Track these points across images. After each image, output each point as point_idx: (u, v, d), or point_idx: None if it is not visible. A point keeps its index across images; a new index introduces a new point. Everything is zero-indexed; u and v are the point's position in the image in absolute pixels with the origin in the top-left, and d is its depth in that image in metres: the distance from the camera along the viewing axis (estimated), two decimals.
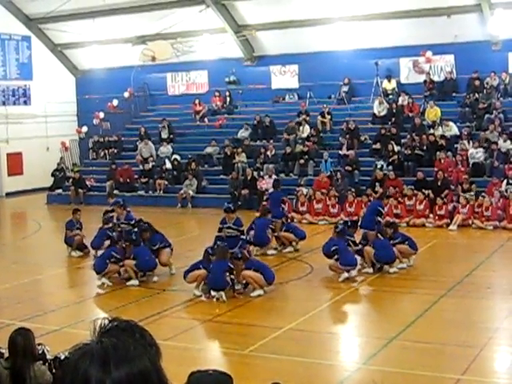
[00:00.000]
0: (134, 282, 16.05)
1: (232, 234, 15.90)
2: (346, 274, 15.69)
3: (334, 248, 15.94)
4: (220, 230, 16.12)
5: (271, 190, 22.11)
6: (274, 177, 25.76)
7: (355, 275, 16.00)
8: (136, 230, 16.94)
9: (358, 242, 16.83)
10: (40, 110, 34.87)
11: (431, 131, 26.71)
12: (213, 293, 14.53)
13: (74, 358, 1.93)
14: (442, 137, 26.12)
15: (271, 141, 29.37)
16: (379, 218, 17.34)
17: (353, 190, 24.38)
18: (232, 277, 14.73)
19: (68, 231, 19.96)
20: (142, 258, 16.19)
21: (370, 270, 16.39)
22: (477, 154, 24.81)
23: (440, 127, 26.74)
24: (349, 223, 17.68)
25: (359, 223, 18.31)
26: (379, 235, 16.66)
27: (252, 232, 18.94)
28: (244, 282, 15.11)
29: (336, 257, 15.83)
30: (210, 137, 31.08)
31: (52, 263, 19.29)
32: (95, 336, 1.97)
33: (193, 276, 15.02)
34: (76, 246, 19.72)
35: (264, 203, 21.10)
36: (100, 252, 17.88)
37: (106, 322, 2.00)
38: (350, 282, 15.62)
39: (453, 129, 26.51)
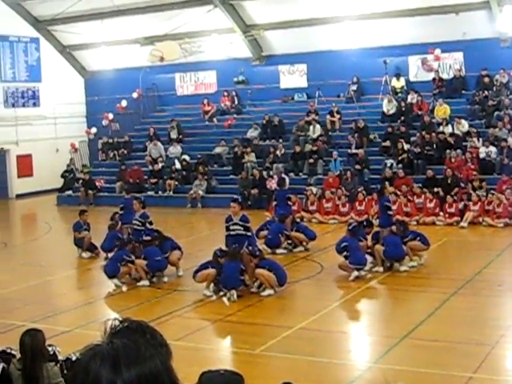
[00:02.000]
0: (145, 282, 16.07)
1: (239, 232, 15.57)
2: (356, 273, 15.66)
3: (343, 245, 15.92)
4: (227, 228, 15.83)
5: (277, 188, 22.05)
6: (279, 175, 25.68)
7: (365, 274, 15.98)
8: (147, 228, 16.92)
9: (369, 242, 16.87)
10: (49, 112, 34.97)
11: (440, 129, 26.65)
12: (223, 293, 14.54)
13: (84, 358, 1.93)
14: (452, 135, 26.05)
15: (280, 140, 29.38)
16: (390, 212, 17.39)
17: (362, 188, 24.36)
18: (244, 277, 14.76)
19: (76, 233, 19.95)
20: (153, 259, 16.21)
21: (381, 269, 16.35)
22: (489, 152, 24.72)
23: (449, 125, 26.66)
24: (365, 223, 17.60)
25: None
26: (393, 229, 16.65)
27: (262, 232, 18.94)
28: (257, 282, 15.12)
29: (345, 254, 15.80)
30: (219, 137, 31.10)
31: (62, 264, 19.33)
32: (106, 337, 1.97)
33: (202, 275, 15.03)
34: (86, 247, 19.75)
35: (274, 203, 21.01)
36: (111, 254, 17.89)
37: (117, 322, 2.01)
38: (361, 280, 15.59)
39: (465, 126, 26.42)
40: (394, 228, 16.78)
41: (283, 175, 25.90)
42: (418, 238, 16.90)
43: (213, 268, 14.89)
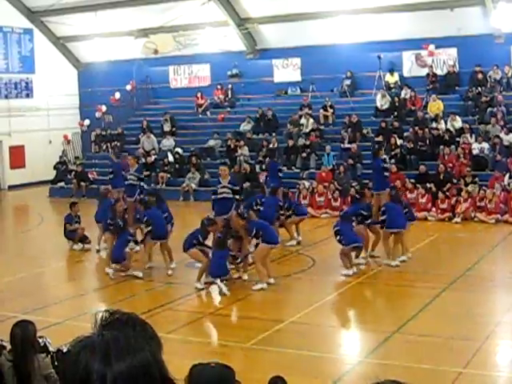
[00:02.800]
0: (138, 273, 16.00)
1: (226, 196, 15.55)
2: (349, 271, 15.59)
3: (336, 229, 15.88)
4: (215, 192, 15.77)
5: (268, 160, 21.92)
6: None
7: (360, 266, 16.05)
8: (142, 185, 17.00)
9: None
10: (42, 103, 34.87)
11: (434, 125, 26.69)
12: (214, 285, 14.55)
13: (75, 350, 1.94)
14: (446, 131, 26.08)
15: (273, 134, 29.38)
16: (386, 174, 17.35)
17: (356, 184, 24.35)
18: (232, 266, 14.84)
19: (67, 225, 19.83)
20: (158, 223, 16.14)
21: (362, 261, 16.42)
22: (481, 148, 24.76)
23: (442, 120, 26.69)
24: (357, 196, 17.67)
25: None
26: (392, 193, 16.57)
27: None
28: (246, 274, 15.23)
29: (338, 238, 15.76)
30: (212, 130, 31.07)
31: (54, 256, 19.31)
32: (96, 329, 1.97)
33: (195, 254, 14.96)
34: (79, 239, 19.71)
35: (265, 175, 20.66)
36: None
37: (107, 314, 2.01)
38: (352, 275, 15.60)
39: (459, 122, 26.44)
40: (392, 192, 16.76)
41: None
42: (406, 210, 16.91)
43: (201, 251, 14.88)
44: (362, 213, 16.64)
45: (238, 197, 16.00)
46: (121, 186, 19.49)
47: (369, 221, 16.68)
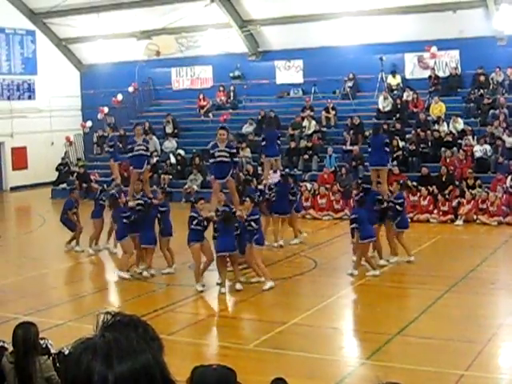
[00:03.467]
0: (170, 269, 16.30)
1: (224, 159, 15.48)
2: (374, 272, 15.66)
3: (353, 216, 15.71)
4: (213, 155, 15.63)
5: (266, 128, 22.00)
6: (278, 173, 25.53)
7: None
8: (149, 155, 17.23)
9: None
10: (44, 105, 34.89)
11: (436, 127, 26.68)
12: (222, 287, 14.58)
13: (76, 352, 1.94)
14: (449, 133, 26.04)
15: None
16: (387, 149, 17.31)
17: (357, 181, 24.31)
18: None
19: (69, 211, 19.43)
20: (167, 220, 16.43)
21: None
22: (483, 150, 24.71)
23: (444, 123, 26.68)
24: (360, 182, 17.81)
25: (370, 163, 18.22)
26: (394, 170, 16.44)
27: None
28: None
29: (355, 226, 15.64)
30: (214, 132, 30.90)
31: (56, 257, 19.31)
32: (98, 330, 1.97)
33: (196, 251, 14.92)
34: (74, 227, 19.49)
35: (263, 143, 20.51)
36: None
37: (109, 316, 2.01)
38: (354, 277, 15.60)
39: (461, 124, 26.41)
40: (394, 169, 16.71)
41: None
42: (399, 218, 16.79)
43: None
44: (377, 198, 16.60)
45: (235, 159, 16.16)
46: (122, 160, 19.39)
47: (384, 205, 16.51)
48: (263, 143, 20.13)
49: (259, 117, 30.48)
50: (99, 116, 34.99)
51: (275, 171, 19.67)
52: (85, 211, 20.15)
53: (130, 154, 17.42)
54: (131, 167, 18.00)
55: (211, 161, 15.84)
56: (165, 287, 15.65)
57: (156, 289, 15.52)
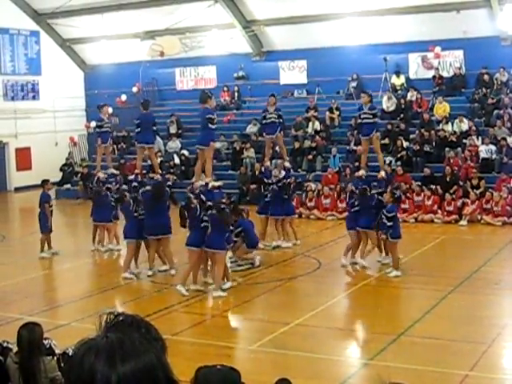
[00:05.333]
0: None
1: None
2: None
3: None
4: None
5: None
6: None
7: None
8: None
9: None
10: (49, 105, 34.94)
11: (440, 127, 26.65)
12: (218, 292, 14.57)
13: (79, 353, 1.93)
14: (453, 133, 25.99)
15: None
16: (376, 119, 17.36)
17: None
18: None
19: (47, 205, 18.87)
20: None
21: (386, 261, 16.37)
22: (488, 150, 24.66)
23: (449, 123, 26.65)
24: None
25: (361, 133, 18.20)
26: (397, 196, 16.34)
27: None
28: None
29: (355, 209, 15.93)
30: (218, 132, 30.99)
31: (60, 258, 19.31)
32: (101, 331, 1.97)
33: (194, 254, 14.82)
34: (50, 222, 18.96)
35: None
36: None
37: (112, 316, 2.01)
38: (358, 277, 15.58)
39: (466, 124, 26.36)
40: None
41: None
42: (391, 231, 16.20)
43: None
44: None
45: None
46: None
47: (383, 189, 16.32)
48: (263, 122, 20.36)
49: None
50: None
51: (284, 168, 19.81)
52: (85, 211, 20.20)
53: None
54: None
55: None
56: (168, 287, 15.63)
57: (160, 289, 15.52)
